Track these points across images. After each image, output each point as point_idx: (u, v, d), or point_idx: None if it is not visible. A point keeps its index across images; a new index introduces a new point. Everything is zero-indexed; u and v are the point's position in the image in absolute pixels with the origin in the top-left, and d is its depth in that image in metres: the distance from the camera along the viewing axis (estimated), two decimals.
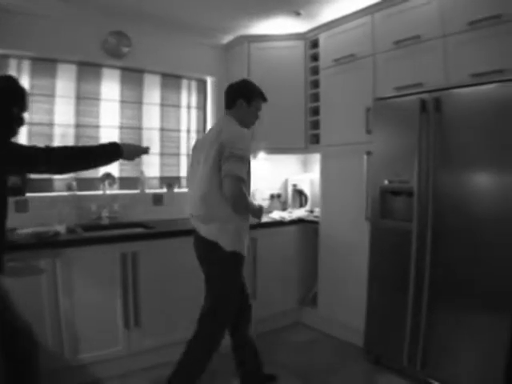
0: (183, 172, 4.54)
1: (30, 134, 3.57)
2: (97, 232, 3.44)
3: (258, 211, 2.73)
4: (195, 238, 2.82)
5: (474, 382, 2.72)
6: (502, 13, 2.63)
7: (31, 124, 3.55)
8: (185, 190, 4.45)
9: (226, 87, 2.86)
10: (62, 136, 3.71)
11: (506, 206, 2.54)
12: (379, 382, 3.16)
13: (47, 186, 3.64)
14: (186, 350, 2.75)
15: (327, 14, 3.85)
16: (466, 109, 2.76)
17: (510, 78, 2.53)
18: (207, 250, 2.68)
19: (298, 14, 3.87)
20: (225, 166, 2.46)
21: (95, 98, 3.92)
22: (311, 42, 4.19)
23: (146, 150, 2.66)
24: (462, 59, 2.88)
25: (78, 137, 3.80)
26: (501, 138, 2.56)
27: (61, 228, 3.14)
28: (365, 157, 3.41)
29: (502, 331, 2.57)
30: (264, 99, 2.91)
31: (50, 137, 3.67)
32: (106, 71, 3.98)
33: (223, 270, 2.66)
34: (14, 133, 2.24)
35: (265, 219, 4.24)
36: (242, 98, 2.76)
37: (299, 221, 4.30)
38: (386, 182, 3.21)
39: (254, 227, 3.89)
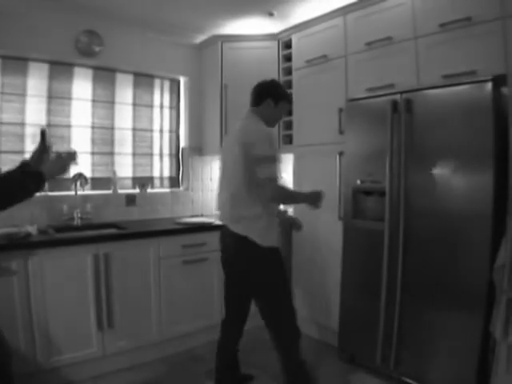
0: (156, 172, 4.52)
1: (1, 134, 3.51)
2: (69, 233, 3.39)
3: (312, 198, 2.78)
4: (223, 241, 2.78)
5: (447, 380, 2.76)
6: (472, 15, 2.68)
7: (1, 123, 3.50)
8: (158, 190, 4.44)
9: (256, 85, 2.85)
10: (33, 136, 3.65)
11: (476, 206, 2.60)
12: (353, 380, 3.18)
13: None
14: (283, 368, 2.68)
15: (300, 15, 3.87)
16: (437, 109, 2.80)
17: (481, 79, 2.58)
18: (241, 249, 2.59)
19: (271, 14, 3.88)
20: (260, 169, 2.47)
21: (67, 98, 3.86)
22: (284, 42, 4.21)
23: (71, 157, 2.24)
24: (434, 60, 2.93)
25: (49, 136, 3.73)
26: (471, 138, 2.61)
27: (32, 229, 3.10)
28: (337, 157, 3.44)
29: (474, 330, 2.62)
30: (290, 102, 2.94)
31: (21, 137, 3.61)
32: (78, 70, 3.92)
33: (266, 269, 2.60)
34: None
35: None
36: (270, 98, 2.76)
37: None
38: (359, 181, 3.25)
39: None
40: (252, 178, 2.50)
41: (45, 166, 2.09)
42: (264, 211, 2.56)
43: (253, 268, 2.58)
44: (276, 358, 2.67)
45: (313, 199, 2.76)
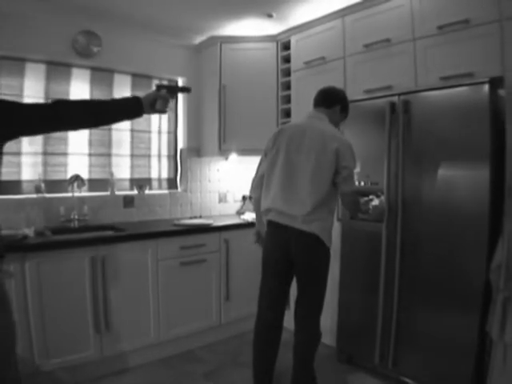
0: (154, 173, 4.50)
1: None
2: (66, 235, 3.38)
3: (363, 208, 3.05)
4: (282, 238, 2.75)
5: (445, 378, 2.76)
6: (470, 17, 2.69)
7: None
8: (156, 191, 4.43)
9: (327, 88, 2.91)
10: (31, 137, 3.63)
11: (473, 206, 2.60)
12: (351, 380, 3.19)
13: (15, 188, 3.56)
14: (297, 359, 2.87)
15: (299, 17, 3.87)
16: (435, 111, 2.81)
17: (478, 81, 2.59)
18: (313, 247, 2.67)
19: (270, 15, 3.88)
20: (348, 181, 2.63)
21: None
22: (283, 44, 4.21)
23: (181, 89, 2.43)
24: (432, 62, 2.93)
25: (45, 137, 3.73)
26: (468, 139, 2.62)
27: (29, 231, 3.09)
28: None
29: (471, 330, 2.62)
30: (347, 116, 2.99)
31: (19, 138, 3.58)
32: (75, 71, 3.91)
33: (326, 265, 2.77)
34: None
35: (237, 220, 4.25)
36: (339, 105, 2.85)
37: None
38: (357, 183, 3.24)
39: (225, 228, 3.92)
40: (331, 184, 2.64)
41: (145, 98, 2.11)
42: (331, 216, 2.73)
43: (318, 263, 2.72)
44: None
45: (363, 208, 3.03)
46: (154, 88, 2.20)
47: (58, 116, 1.90)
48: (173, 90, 2.22)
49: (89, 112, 1.99)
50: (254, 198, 2.99)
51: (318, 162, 2.61)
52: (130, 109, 2.06)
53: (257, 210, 2.97)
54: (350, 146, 2.66)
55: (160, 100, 2.10)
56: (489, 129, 2.52)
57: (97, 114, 2.01)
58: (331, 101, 2.83)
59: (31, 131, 2.04)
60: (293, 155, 2.71)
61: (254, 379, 2.83)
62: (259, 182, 2.89)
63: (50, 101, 1.97)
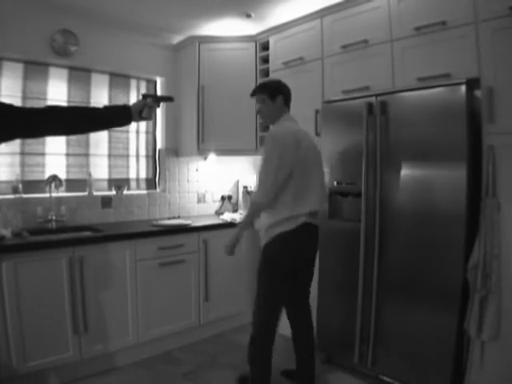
0: (132, 174, 4.47)
1: None
2: (43, 236, 3.34)
3: None
4: (312, 238, 2.88)
5: (424, 376, 2.80)
6: (447, 19, 2.74)
7: None
8: (134, 191, 4.40)
9: (285, 85, 2.98)
10: None
11: (450, 206, 2.64)
12: (331, 380, 3.20)
13: None
14: (308, 339, 3.01)
15: (277, 17, 3.88)
16: (412, 112, 2.84)
17: (455, 82, 2.63)
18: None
19: (248, 16, 3.89)
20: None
21: (42, 98, 3.80)
22: (261, 44, 4.22)
23: (165, 99, 2.62)
24: (409, 63, 2.97)
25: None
26: (446, 140, 2.65)
27: (6, 232, 3.04)
28: None
29: (449, 328, 2.66)
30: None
31: None
32: (53, 70, 3.87)
33: None
34: None
35: (216, 221, 4.25)
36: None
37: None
38: (335, 183, 3.27)
39: (204, 229, 3.91)
40: None
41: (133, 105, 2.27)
42: None
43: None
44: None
45: None
46: (140, 96, 2.33)
47: (51, 121, 1.99)
48: (158, 99, 2.38)
49: (81, 118, 2.10)
50: (263, 202, 2.73)
51: (318, 164, 2.90)
52: (121, 116, 2.20)
53: (257, 213, 2.82)
54: None
55: (146, 108, 2.26)
56: (465, 129, 2.56)
57: (89, 121, 2.12)
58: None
59: (24, 134, 2.24)
60: (308, 159, 2.79)
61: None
62: (276, 187, 2.69)
63: (43, 106, 2.03)
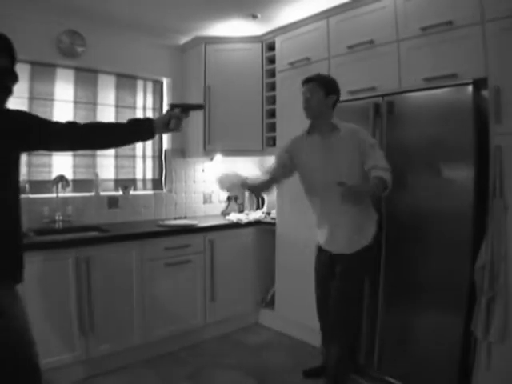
0: (139, 174, 4.49)
1: None
2: (50, 236, 3.35)
3: None
4: None
5: (430, 378, 2.78)
6: (453, 19, 2.72)
7: None
8: (141, 192, 4.41)
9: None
10: None
11: (457, 207, 2.63)
12: None
13: None
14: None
15: (283, 18, 3.88)
16: (419, 112, 2.83)
17: (461, 82, 2.62)
18: None
19: (254, 16, 3.89)
20: None
21: (49, 99, 3.82)
22: (268, 44, 4.21)
23: (194, 107, 2.38)
24: (416, 63, 2.96)
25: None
26: (452, 140, 2.64)
27: None
28: None
29: (456, 329, 2.64)
30: None
31: None
32: (59, 71, 3.88)
33: None
34: (9, 91, 1.97)
35: (222, 221, 4.25)
36: None
37: (256, 223, 4.31)
38: None
39: (210, 229, 3.92)
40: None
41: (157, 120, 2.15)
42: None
43: None
44: None
45: None
46: (167, 107, 2.23)
47: (74, 137, 1.96)
48: (186, 108, 2.23)
49: (103, 134, 2.04)
50: None
51: None
52: (143, 131, 2.09)
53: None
54: None
55: (174, 119, 2.13)
56: (472, 130, 2.55)
57: (110, 136, 2.05)
58: None
59: (45, 147, 2.20)
60: None
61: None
62: None
63: (65, 121, 1.99)
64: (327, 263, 2.91)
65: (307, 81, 2.86)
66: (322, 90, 2.78)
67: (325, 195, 2.79)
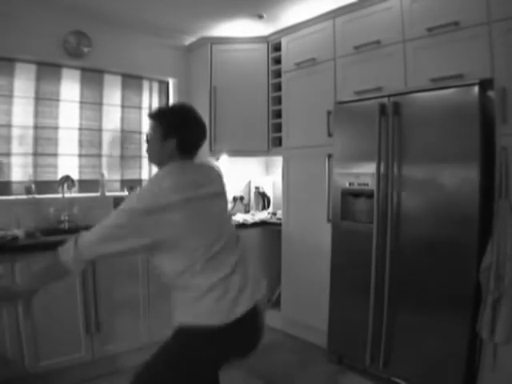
0: (144, 174, 4.50)
1: None
2: (56, 236, 3.34)
3: None
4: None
5: (436, 378, 2.78)
6: (459, 20, 2.71)
7: None
8: None
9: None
10: (21, 138, 3.63)
11: (463, 207, 2.62)
12: (342, 381, 3.19)
13: (5, 189, 3.55)
14: None
15: (289, 18, 3.88)
16: (425, 113, 2.82)
17: (468, 82, 2.61)
18: None
19: (260, 17, 3.89)
20: None
21: (55, 99, 3.83)
22: (273, 45, 4.21)
23: None
24: (422, 64, 2.95)
25: (36, 139, 3.71)
26: (458, 141, 2.63)
27: (19, 232, 3.06)
28: (326, 159, 3.45)
29: (462, 330, 2.64)
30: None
31: (8, 139, 3.58)
32: (65, 71, 3.90)
33: None
34: None
35: None
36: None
37: (262, 223, 4.31)
38: (347, 184, 3.26)
39: None
40: None
41: None
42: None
43: None
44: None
45: None
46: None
47: None
48: None
49: None
50: None
51: None
52: None
53: None
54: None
55: None
56: (478, 130, 2.54)
57: None
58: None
59: None
60: None
61: None
62: None
63: None
64: None
65: (148, 116, 2.05)
66: (159, 131, 1.92)
67: None
